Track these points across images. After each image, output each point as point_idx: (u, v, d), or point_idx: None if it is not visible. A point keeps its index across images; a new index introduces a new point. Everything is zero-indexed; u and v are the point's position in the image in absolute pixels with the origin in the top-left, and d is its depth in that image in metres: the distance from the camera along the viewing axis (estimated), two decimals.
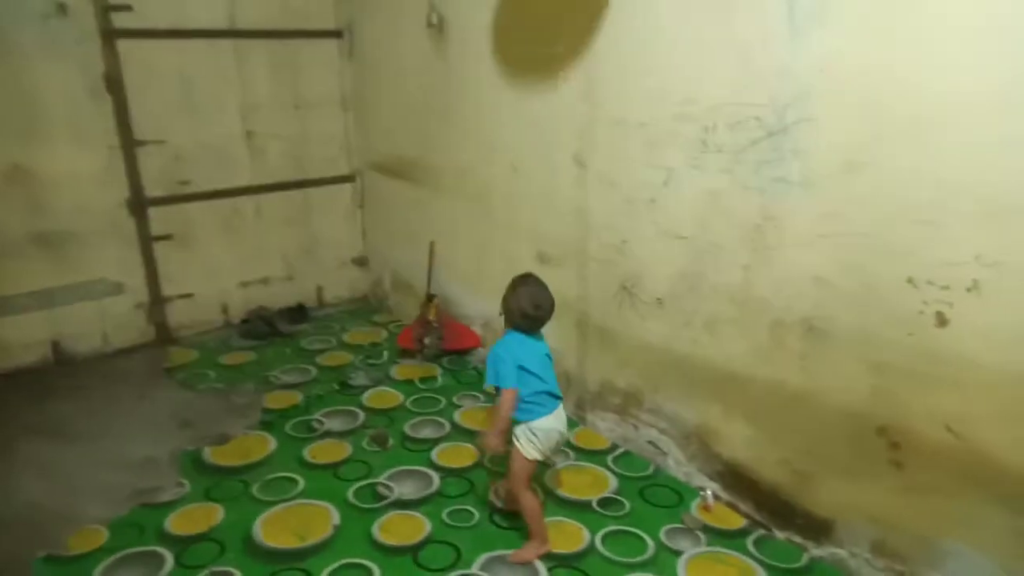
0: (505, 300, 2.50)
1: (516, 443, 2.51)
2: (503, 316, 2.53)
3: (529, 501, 2.54)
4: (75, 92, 3.90)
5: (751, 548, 2.58)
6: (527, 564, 2.50)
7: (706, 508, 2.79)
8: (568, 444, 3.24)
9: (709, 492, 2.83)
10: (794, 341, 2.44)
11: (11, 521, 2.71)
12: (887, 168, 2.08)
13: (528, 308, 2.44)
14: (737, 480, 2.77)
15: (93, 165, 4.04)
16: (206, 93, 4.34)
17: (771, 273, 2.47)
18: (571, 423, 3.43)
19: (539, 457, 2.51)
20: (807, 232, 2.32)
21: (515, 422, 2.50)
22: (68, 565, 2.50)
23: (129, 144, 4.12)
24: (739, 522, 2.72)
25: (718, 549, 2.57)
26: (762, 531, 2.67)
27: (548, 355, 2.53)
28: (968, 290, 1.95)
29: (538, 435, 2.47)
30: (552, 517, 2.74)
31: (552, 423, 2.49)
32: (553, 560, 2.51)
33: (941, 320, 2.03)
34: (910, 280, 2.07)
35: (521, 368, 2.43)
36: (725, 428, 2.78)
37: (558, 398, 2.52)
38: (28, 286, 3.97)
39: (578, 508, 2.81)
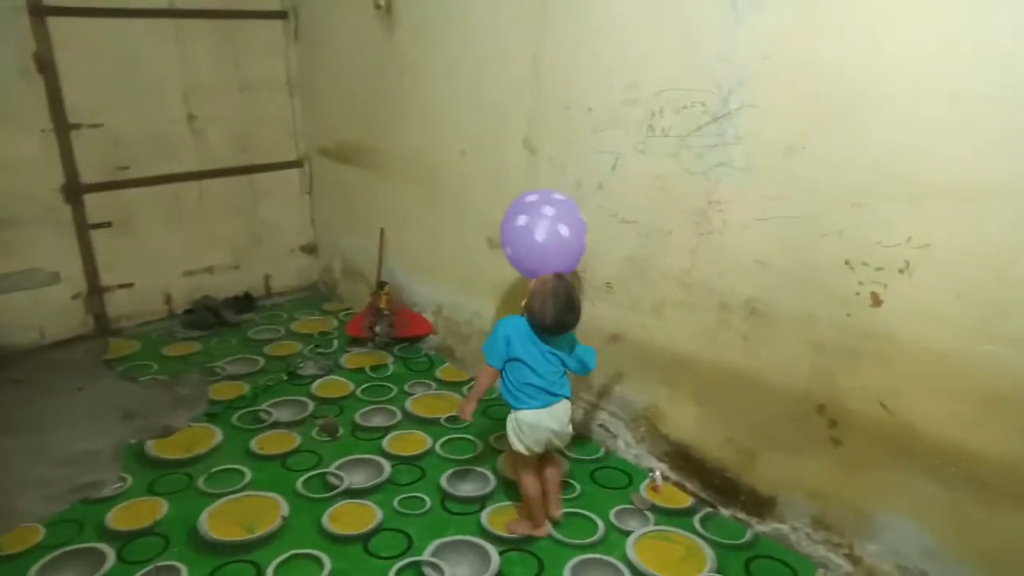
0: (532, 296, 2.35)
1: (508, 426, 2.47)
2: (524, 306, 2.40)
3: (525, 486, 2.51)
4: (4, 72, 3.72)
5: (697, 526, 2.63)
6: (520, 536, 2.56)
7: (655, 488, 2.84)
8: None
9: (658, 473, 2.88)
10: (738, 323, 2.49)
11: None
12: (823, 153, 2.14)
13: (548, 322, 2.32)
14: (684, 460, 2.82)
15: (25, 149, 3.86)
16: (145, 75, 4.18)
17: (716, 256, 2.51)
18: None
19: (523, 451, 2.44)
20: (749, 216, 2.37)
21: (509, 407, 2.46)
22: (2, 564, 2.41)
23: (63, 128, 3.95)
24: (686, 501, 2.78)
25: (666, 528, 2.63)
26: (708, 509, 2.73)
27: (553, 353, 2.40)
28: (900, 271, 2.02)
29: (523, 428, 2.41)
30: (503, 503, 2.76)
31: (540, 418, 2.39)
32: (505, 544, 2.52)
33: (876, 300, 2.09)
34: (847, 262, 2.13)
35: (513, 356, 2.38)
36: (673, 410, 2.83)
37: (555, 395, 2.41)
38: None
39: None
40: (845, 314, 2.18)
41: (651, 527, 2.63)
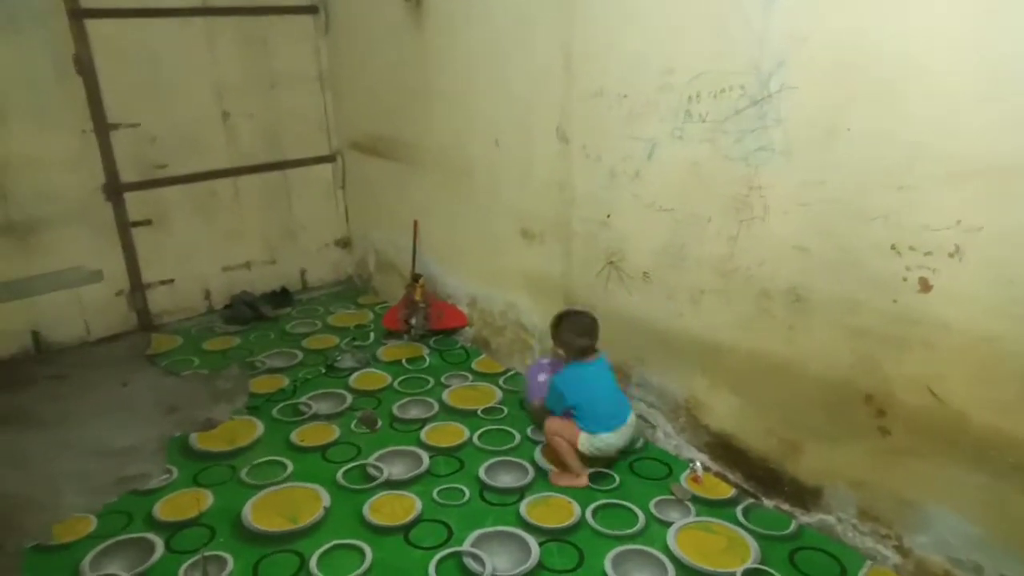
0: (555, 338, 2.82)
1: (579, 433, 2.75)
2: (560, 351, 2.82)
3: (561, 443, 2.78)
4: (44, 75, 3.80)
5: (740, 517, 2.60)
6: (564, 488, 2.78)
7: (695, 479, 2.81)
8: None
9: (698, 463, 2.85)
10: (779, 311, 2.45)
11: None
12: (865, 134, 2.08)
13: (576, 338, 2.75)
14: (725, 451, 2.79)
15: (66, 150, 3.95)
16: (179, 73, 4.25)
17: (756, 243, 2.46)
18: None
19: (586, 452, 2.77)
20: (790, 201, 2.32)
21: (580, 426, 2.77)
22: (56, 554, 2.48)
23: (102, 128, 4.03)
24: (728, 492, 2.74)
25: (707, 519, 2.60)
26: (751, 500, 2.69)
27: (607, 370, 2.83)
28: (951, 255, 1.96)
29: (598, 446, 2.74)
30: (541, 492, 2.75)
31: (610, 442, 2.75)
32: (544, 534, 2.52)
33: (925, 286, 2.03)
34: (893, 247, 2.07)
35: (571, 405, 2.74)
36: (712, 400, 2.79)
37: (620, 419, 2.77)
38: (2, 276, 3.89)
39: None
40: (891, 300, 2.12)
41: (692, 518, 2.60)
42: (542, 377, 3.04)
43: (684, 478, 2.82)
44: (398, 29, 3.95)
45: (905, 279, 2.07)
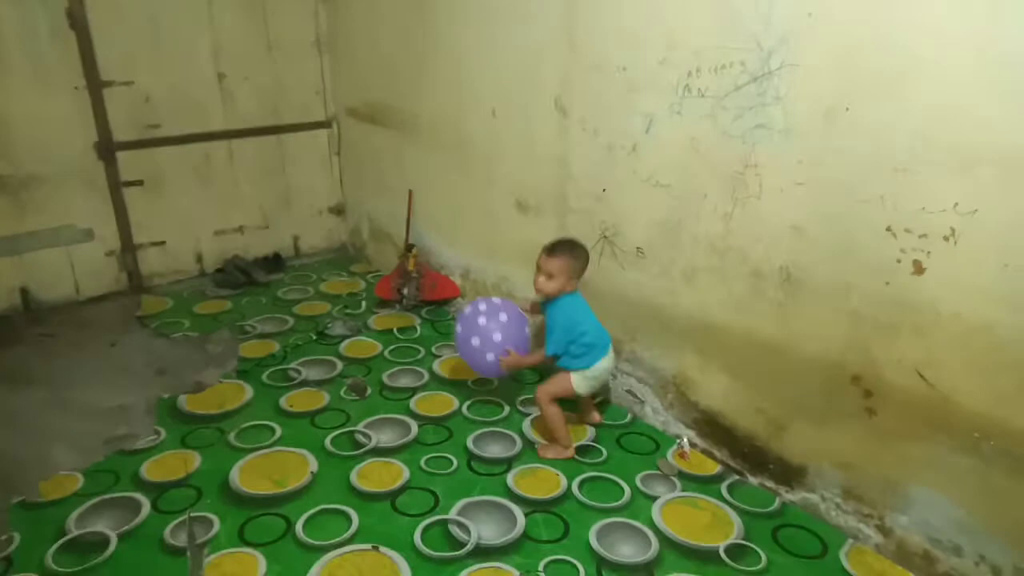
0: (573, 268, 2.73)
1: (571, 378, 2.78)
2: (573, 279, 2.75)
3: (555, 414, 2.81)
4: (37, 29, 3.73)
5: (725, 493, 2.62)
6: (551, 460, 2.80)
7: (682, 455, 2.83)
8: None
9: (685, 440, 2.87)
10: (772, 290, 2.44)
11: None
12: (864, 115, 2.06)
13: (585, 264, 2.80)
14: (713, 428, 2.80)
15: (58, 107, 3.89)
16: (175, 32, 4.17)
17: (751, 222, 2.45)
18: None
19: (584, 392, 2.86)
20: (787, 180, 2.30)
21: (568, 369, 2.79)
22: (42, 510, 2.49)
23: (96, 85, 3.97)
24: (714, 468, 2.77)
25: (693, 494, 2.62)
26: (736, 477, 2.71)
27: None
28: (945, 239, 1.95)
29: (596, 375, 2.80)
30: (529, 464, 2.77)
31: (607, 364, 2.81)
32: (530, 505, 2.54)
33: (918, 268, 2.03)
34: (888, 228, 2.07)
35: (578, 335, 2.73)
36: (702, 377, 2.80)
37: (608, 338, 2.82)
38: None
39: None
40: (884, 283, 2.12)
41: (678, 493, 2.62)
42: (487, 322, 2.87)
43: (671, 454, 2.84)
44: None
45: (899, 261, 2.07)
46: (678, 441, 2.89)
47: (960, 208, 1.91)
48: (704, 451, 2.84)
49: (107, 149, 4.09)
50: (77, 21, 3.81)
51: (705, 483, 2.68)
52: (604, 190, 2.97)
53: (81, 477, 2.65)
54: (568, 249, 2.73)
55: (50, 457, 2.76)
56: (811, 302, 2.34)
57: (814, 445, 2.45)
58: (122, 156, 4.16)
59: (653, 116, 2.68)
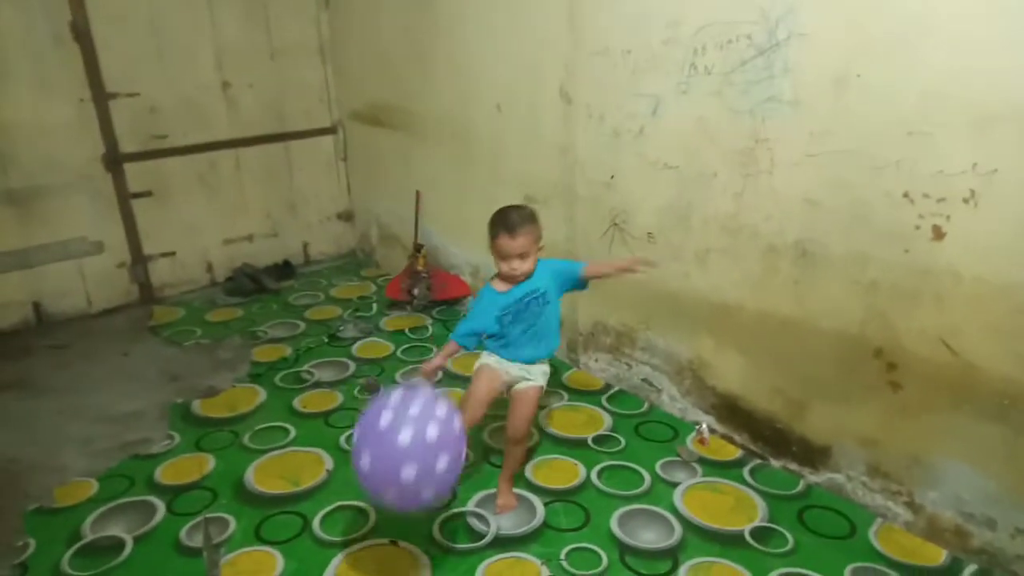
0: (537, 223, 2.25)
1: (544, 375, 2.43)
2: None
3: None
4: (41, 40, 3.75)
5: (747, 477, 2.57)
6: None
7: (701, 441, 2.77)
8: (561, 385, 3.23)
9: (704, 425, 2.82)
10: (787, 267, 2.40)
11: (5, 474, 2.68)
12: (875, 81, 2.02)
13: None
14: (732, 412, 2.75)
15: (64, 118, 3.91)
16: (178, 43, 4.19)
17: (763, 198, 2.41)
18: (564, 366, 3.42)
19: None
20: (798, 153, 2.26)
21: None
22: (58, 515, 2.46)
23: (101, 96, 3.98)
24: (734, 453, 2.71)
25: (714, 479, 2.57)
26: (758, 460, 2.66)
27: None
28: (965, 201, 1.91)
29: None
30: (546, 455, 2.73)
31: None
32: (549, 495, 2.49)
33: (938, 234, 1.98)
34: (905, 194, 2.02)
35: None
36: (718, 361, 2.75)
37: None
38: (3, 245, 3.86)
39: (572, 445, 2.79)
40: (903, 251, 2.07)
41: (699, 478, 2.57)
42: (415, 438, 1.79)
43: (690, 440, 2.79)
44: None
45: (918, 227, 2.02)
46: (697, 427, 2.84)
47: (979, 169, 1.86)
48: (724, 436, 2.79)
49: (114, 160, 4.11)
50: (81, 32, 3.83)
51: (726, 468, 2.63)
52: (612, 176, 2.94)
53: (96, 483, 2.63)
54: (527, 219, 2.23)
55: (65, 463, 2.75)
56: (827, 276, 2.29)
57: (837, 424, 2.40)
58: (129, 167, 4.17)
59: (659, 98, 2.65)
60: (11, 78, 3.72)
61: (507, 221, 2.20)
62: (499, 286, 2.31)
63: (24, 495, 2.56)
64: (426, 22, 3.79)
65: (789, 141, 2.28)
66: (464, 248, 4.07)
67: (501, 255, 2.23)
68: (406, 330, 3.92)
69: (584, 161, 3.06)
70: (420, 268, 4.17)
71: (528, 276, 2.27)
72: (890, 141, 2.03)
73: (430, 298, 4.15)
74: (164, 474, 2.68)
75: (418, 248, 4.23)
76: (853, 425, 2.34)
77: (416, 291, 4.15)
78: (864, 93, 2.06)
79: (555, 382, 3.20)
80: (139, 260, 4.34)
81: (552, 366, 2.62)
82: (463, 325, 2.39)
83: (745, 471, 2.60)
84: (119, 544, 2.32)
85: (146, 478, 2.66)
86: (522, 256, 2.21)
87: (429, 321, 4.03)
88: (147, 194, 4.27)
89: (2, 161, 3.78)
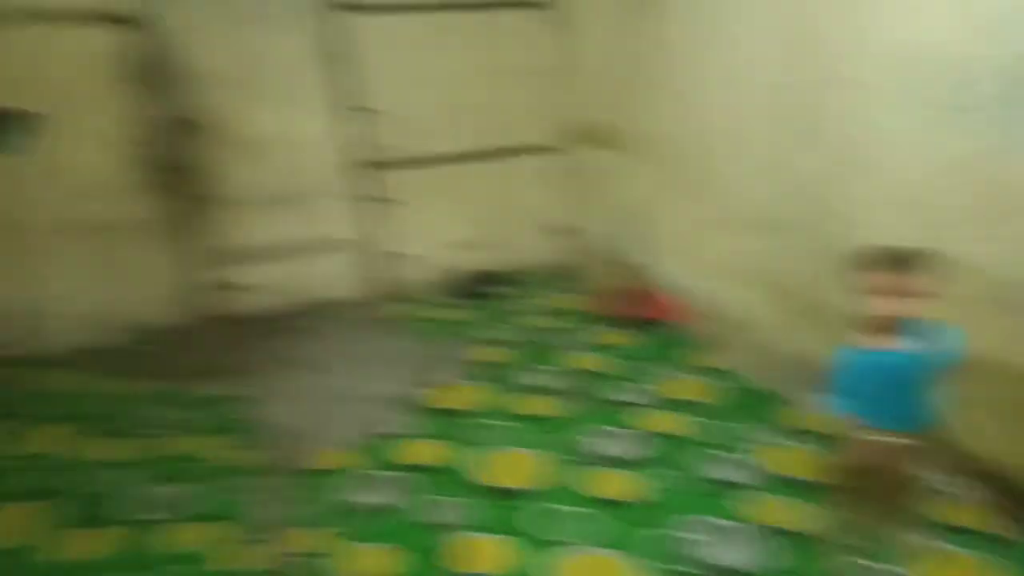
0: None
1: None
2: None
3: None
4: (308, 61, 4.38)
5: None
6: None
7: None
8: None
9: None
10: None
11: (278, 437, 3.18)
12: None
13: None
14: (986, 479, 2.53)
15: (324, 130, 4.52)
16: (419, 64, 4.67)
17: None
18: None
19: None
20: None
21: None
22: (323, 477, 2.89)
23: (357, 112, 4.55)
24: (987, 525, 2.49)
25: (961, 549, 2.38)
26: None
27: None
28: None
29: None
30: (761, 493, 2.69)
31: None
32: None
33: None
34: None
35: None
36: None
37: None
38: (270, 239, 4.56)
39: None
40: None
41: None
42: None
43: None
44: (627, 19, 3.99)
45: None
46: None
47: None
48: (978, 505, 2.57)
49: (364, 169, 4.67)
50: (343, 55, 4.41)
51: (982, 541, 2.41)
52: (852, 209, 2.83)
53: (350, 454, 3.04)
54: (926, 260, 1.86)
55: (324, 434, 3.19)
56: None
57: None
58: (376, 175, 4.71)
59: (907, 130, 2.53)
60: (284, 98, 4.39)
61: (893, 254, 1.90)
62: None
63: (294, 457, 3.02)
64: (653, 46, 3.87)
65: None
66: (684, 270, 4.09)
67: (872, 289, 1.91)
68: (619, 346, 4.02)
69: (826, 194, 2.97)
70: (636, 287, 4.26)
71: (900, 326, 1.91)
72: None
73: (644, 317, 4.21)
74: (403, 454, 3.03)
75: (634, 267, 4.32)
76: None
77: (630, 309, 4.23)
78: None
79: None
80: (379, 259, 4.87)
81: None
82: None
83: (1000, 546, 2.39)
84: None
85: (386, 457, 3.02)
86: (904, 296, 1.87)
87: (642, 339, 4.09)
88: (389, 200, 4.80)
89: (279, 169, 4.47)
